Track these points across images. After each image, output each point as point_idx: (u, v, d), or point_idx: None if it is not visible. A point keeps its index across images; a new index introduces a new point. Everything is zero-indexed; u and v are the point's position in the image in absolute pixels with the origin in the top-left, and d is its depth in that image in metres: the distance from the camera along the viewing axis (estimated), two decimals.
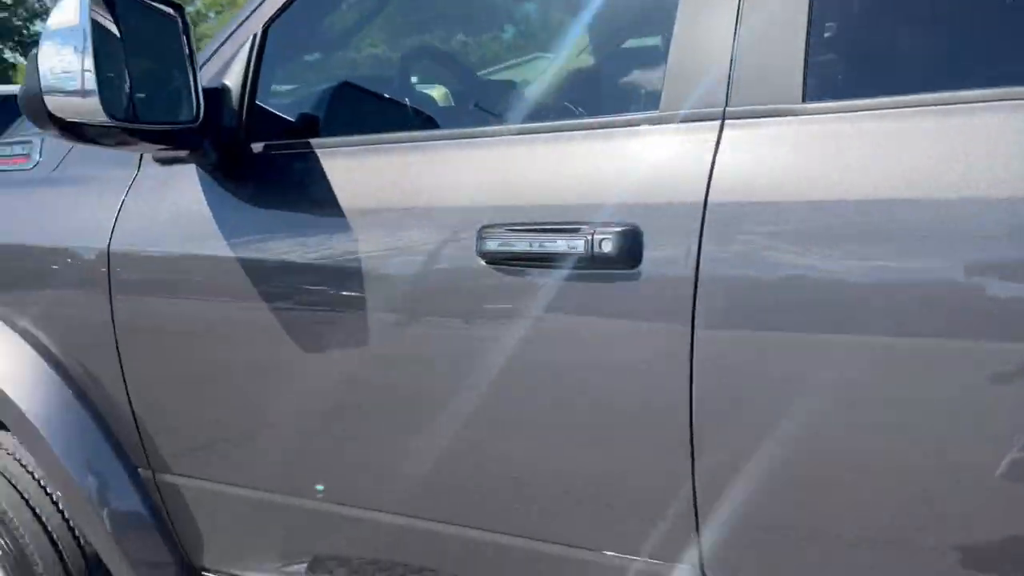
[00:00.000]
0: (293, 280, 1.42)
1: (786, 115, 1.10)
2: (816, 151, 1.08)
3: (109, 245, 1.59)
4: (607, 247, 1.13)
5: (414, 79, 2.19)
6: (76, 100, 1.16)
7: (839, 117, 1.08)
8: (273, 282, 1.43)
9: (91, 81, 1.15)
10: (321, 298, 1.41)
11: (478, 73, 2.67)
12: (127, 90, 1.22)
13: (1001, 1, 1.20)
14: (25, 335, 1.69)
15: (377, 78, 2.02)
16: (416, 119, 1.96)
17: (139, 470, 1.68)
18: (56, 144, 1.80)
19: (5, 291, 1.73)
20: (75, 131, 1.23)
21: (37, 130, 1.46)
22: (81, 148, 1.73)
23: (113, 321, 1.60)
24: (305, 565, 1.61)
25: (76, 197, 1.68)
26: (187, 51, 1.32)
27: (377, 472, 1.43)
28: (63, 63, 1.15)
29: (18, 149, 1.86)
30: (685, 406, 1.12)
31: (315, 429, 1.47)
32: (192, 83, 1.34)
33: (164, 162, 1.59)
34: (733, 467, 1.12)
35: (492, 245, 1.22)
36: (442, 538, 1.40)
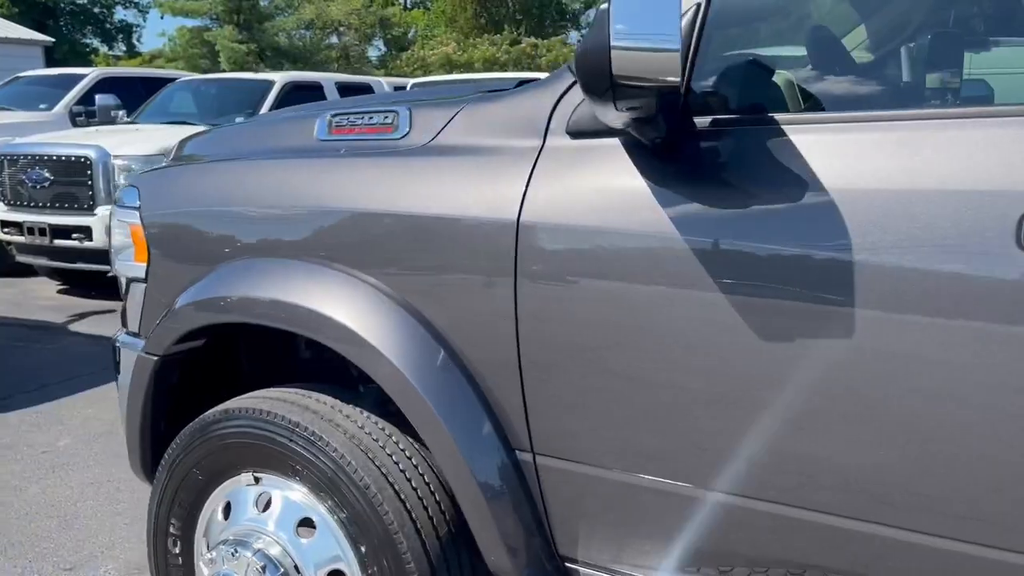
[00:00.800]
0: (755, 266, 1.35)
1: None
2: None
3: (519, 217, 1.53)
4: None
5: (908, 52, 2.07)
6: (646, 56, 1.11)
7: None
8: (726, 267, 1.36)
9: (674, 39, 1.09)
10: (787, 287, 1.33)
11: None
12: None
13: None
14: (406, 307, 1.65)
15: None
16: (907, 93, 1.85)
17: (517, 452, 1.62)
18: (431, 115, 1.77)
19: (382, 261, 1.69)
20: (621, 91, 1.17)
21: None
22: (465, 118, 1.70)
23: (515, 298, 1.54)
24: (691, 559, 1.54)
25: (470, 167, 1.64)
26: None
27: (822, 471, 1.35)
28: (643, 21, 1.09)
29: (380, 119, 1.83)
30: None
31: (744, 423, 1.40)
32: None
33: (576, 135, 1.54)
34: None
35: None
36: (886, 543, 1.32)
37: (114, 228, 2.24)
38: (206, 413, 1.94)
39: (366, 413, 1.83)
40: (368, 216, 1.72)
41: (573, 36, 51.75)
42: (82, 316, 6.73)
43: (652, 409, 1.48)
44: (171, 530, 2.00)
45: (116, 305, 7.21)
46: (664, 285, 1.43)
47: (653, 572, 1.58)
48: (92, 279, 8.02)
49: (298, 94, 8.37)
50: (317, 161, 1.85)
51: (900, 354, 1.25)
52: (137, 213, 2.08)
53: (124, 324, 2.24)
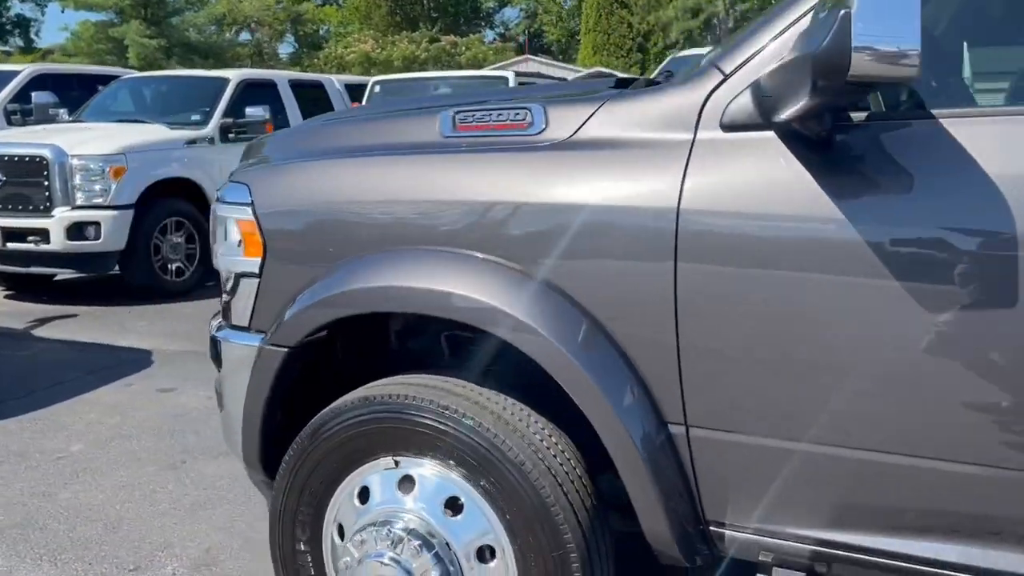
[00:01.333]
0: (908, 251, 1.50)
1: None
2: None
3: (679, 204, 1.65)
4: None
5: None
6: (887, 55, 1.24)
7: None
8: (879, 251, 1.51)
9: (916, 39, 1.22)
10: (940, 270, 1.49)
11: None
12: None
13: None
14: (560, 292, 1.75)
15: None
16: None
17: (670, 425, 1.75)
18: (566, 111, 1.88)
19: (535, 250, 1.78)
20: (855, 87, 1.31)
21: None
22: (607, 114, 1.81)
23: (675, 283, 1.66)
24: (840, 519, 1.68)
25: (622, 160, 1.75)
26: None
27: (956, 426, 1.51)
28: (885, 24, 1.23)
29: (512, 115, 1.92)
30: None
31: (893, 390, 1.55)
32: None
33: (730, 128, 1.67)
34: None
35: None
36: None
37: (217, 223, 2.26)
38: (339, 402, 2.00)
39: (503, 395, 1.93)
40: (518, 207, 1.81)
41: (489, 35, 51.94)
42: (43, 321, 6.53)
43: (804, 380, 1.62)
44: (299, 517, 2.05)
45: (76, 309, 7.05)
46: (820, 266, 1.57)
47: (796, 530, 1.72)
48: (41, 282, 7.76)
49: (252, 92, 8.26)
50: (455, 155, 1.92)
51: None
52: (249, 209, 2.11)
53: (226, 319, 2.26)
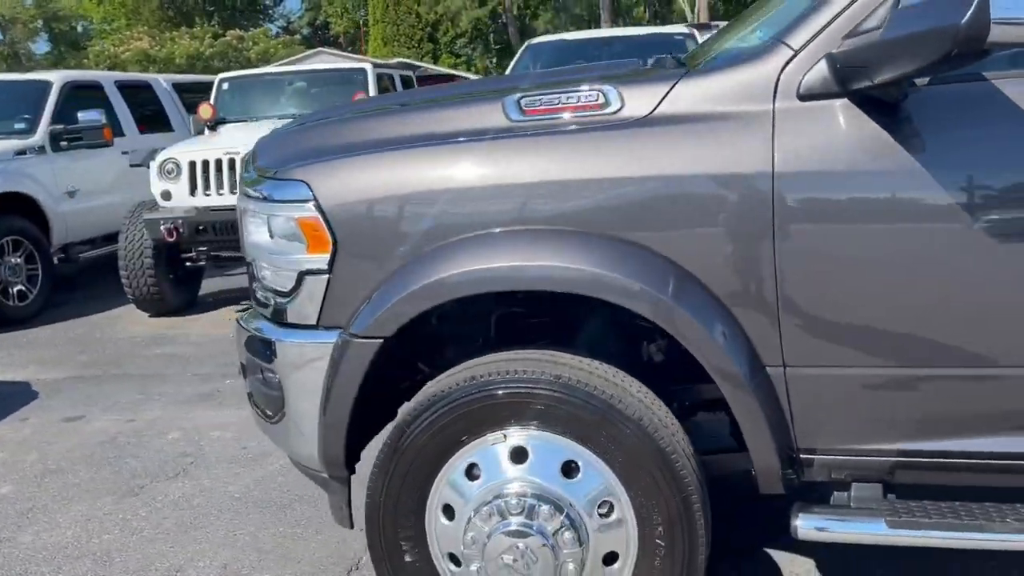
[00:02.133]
0: (977, 194, 1.79)
1: None
2: None
3: (773, 167, 1.85)
4: None
5: None
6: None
7: None
8: (953, 197, 1.79)
9: None
10: (1000, 210, 1.79)
11: None
12: None
13: None
14: (666, 259, 1.91)
15: None
16: None
17: (769, 368, 1.95)
18: (639, 90, 2.02)
19: (638, 222, 1.92)
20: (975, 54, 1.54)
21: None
22: (683, 90, 1.97)
23: (774, 238, 1.86)
24: (910, 432, 1.96)
25: (710, 131, 1.92)
26: None
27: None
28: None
29: (585, 97, 2.04)
30: None
31: (966, 317, 1.84)
32: None
33: (806, 98, 1.88)
34: None
35: None
36: None
37: (257, 222, 2.22)
38: (441, 383, 2.04)
39: (596, 362, 2.06)
40: (614, 182, 1.93)
41: (273, 28, 50.15)
42: None
43: (886, 315, 1.87)
44: (401, 504, 2.07)
45: None
46: (900, 215, 1.83)
47: (873, 446, 1.98)
48: None
49: (79, 95, 7.65)
50: (539, 138, 2.01)
51: None
52: (311, 205, 2.09)
53: (278, 319, 2.22)
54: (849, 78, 1.82)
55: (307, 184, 2.11)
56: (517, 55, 7.17)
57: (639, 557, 1.99)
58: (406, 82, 8.55)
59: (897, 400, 1.95)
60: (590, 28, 44.58)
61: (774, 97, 1.91)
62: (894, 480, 2.03)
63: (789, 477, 2.04)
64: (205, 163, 6.25)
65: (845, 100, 1.86)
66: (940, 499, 1.99)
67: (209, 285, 7.45)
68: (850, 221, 1.86)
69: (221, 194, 6.23)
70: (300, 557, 2.84)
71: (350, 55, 33.63)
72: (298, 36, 46.73)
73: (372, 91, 7.30)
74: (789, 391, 1.97)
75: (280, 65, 16.02)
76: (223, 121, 7.44)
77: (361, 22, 47.34)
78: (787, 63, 1.91)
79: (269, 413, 2.35)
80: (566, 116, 2.04)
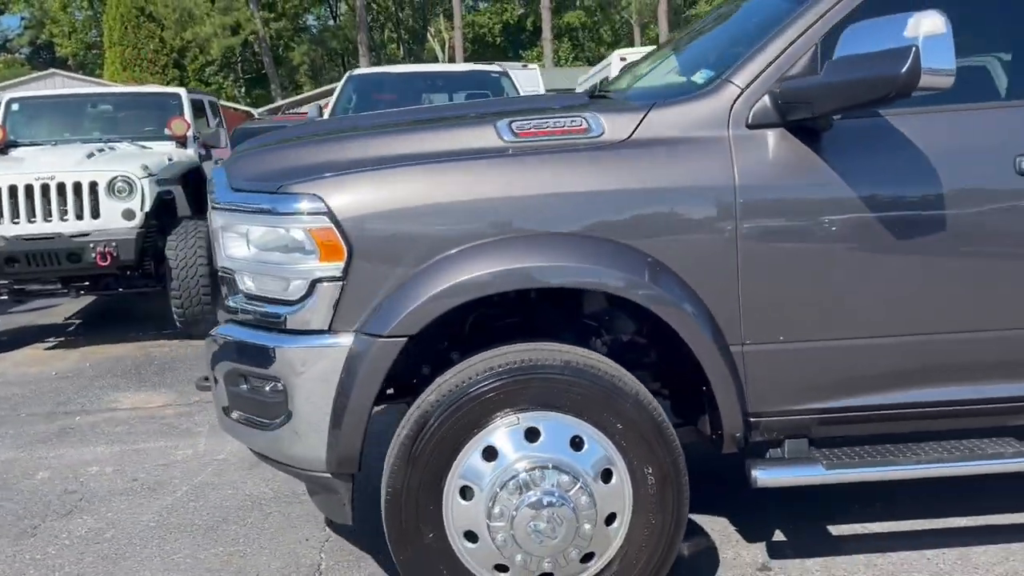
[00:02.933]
0: (878, 198, 2.34)
1: None
2: None
3: (735, 181, 2.30)
4: None
5: None
6: (942, 76, 2.00)
7: None
8: (865, 200, 2.33)
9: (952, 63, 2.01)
10: (896, 211, 2.35)
11: None
12: None
13: None
14: (644, 255, 2.28)
15: None
16: None
17: (731, 346, 2.37)
18: (617, 118, 2.40)
19: (626, 227, 2.28)
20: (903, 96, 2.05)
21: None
22: (655, 119, 2.38)
23: (737, 236, 2.30)
24: (836, 392, 2.47)
25: (682, 152, 2.33)
26: None
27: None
28: (941, 56, 1.99)
29: (570, 122, 2.38)
30: None
31: (885, 294, 2.39)
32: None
33: (754, 127, 2.35)
34: None
35: None
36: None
37: (259, 236, 2.33)
38: (459, 375, 2.26)
39: (588, 350, 2.38)
40: (605, 194, 2.28)
41: None
42: None
43: (814, 298, 2.37)
44: (421, 492, 2.25)
45: None
46: (825, 219, 2.33)
47: (805, 406, 2.46)
48: None
49: None
50: (534, 157, 2.31)
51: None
52: (325, 217, 2.24)
53: (280, 327, 2.32)
54: (788, 112, 2.31)
55: (320, 197, 2.26)
56: (340, 85, 7.30)
57: (634, 514, 2.32)
58: (213, 108, 8.33)
59: (820, 367, 2.44)
60: (344, 60, 44.66)
61: (728, 125, 2.35)
62: (813, 435, 2.53)
63: (739, 438, 2.46)
64: (12, 188, 5.80)
65: (783, 129, 2.35)
66: (851, 446, 2.52)
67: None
68: (789, 225, 2.34)
69: (33, 222, 5.81)
70: (256, 570, 2.87)
71: (91, 79, 31.33)
72: (20, 55, 42.59)
73: (188, 115, 7.09)
74: (745, 365, 2.40)
75: (5, 88, 14.72)
76: (14, 144, 6.89)
77: (92, 43, 44.12)
78: (736, 98, 2.36)
79: (264, 420, 2.42)
80: (553, 139, 2.36)
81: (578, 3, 49.08)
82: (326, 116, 7.00)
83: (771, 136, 2.35)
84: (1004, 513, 2.99)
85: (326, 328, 2.29)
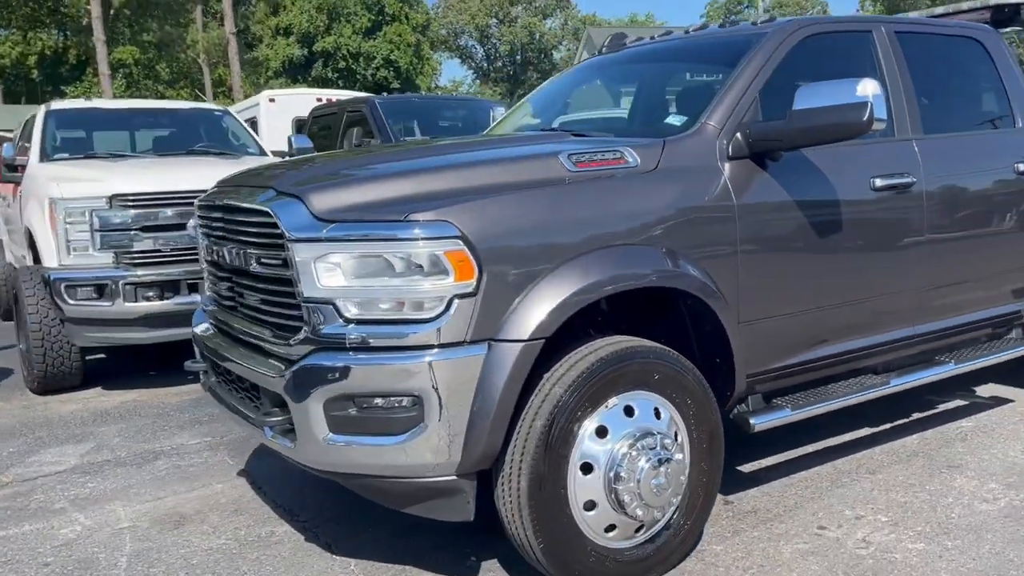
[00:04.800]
0: (834, 214, 3.27)
1: None
2: None
3: (734, 197, 3.04)
4: None
5: None
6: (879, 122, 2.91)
7: None
8: (823, 216, 3.24)
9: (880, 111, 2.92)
10: (847, 218, 3.31)
11: None
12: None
13: None
14: (666, 250, 2.90)
15: None
16: None
17: (739, 323, 3.08)
18: (645, 151, 3.01)
19: (669, 236, 2.88)
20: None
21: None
22: (669, 153, 3.05)
23: (737, 235, 3.04)
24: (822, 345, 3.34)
25: (695, 177, 3.02)
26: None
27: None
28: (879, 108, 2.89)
29: (611, 155, 2.94)
30: None
31: (847, 276, 3.32)
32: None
33: (732, 158, 3.12)
34: None
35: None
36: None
37: (396, 260, 2.50)
38: (576, 369, 2.64)
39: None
40: (651, 212, 2.87)
41: None
42: None
43: (803, 280, 3.21)
44: (547, 471, 2.59)
45: None
46: (782, 222, 3.18)
47: (771, 365, 3.27)
48: None
49: None
50: (606, 183, 2.81)
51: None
52: (459, 241, 2.50)
53: (416, 344, 2.50)
54: (753, 147, 3.12)
55: (451, 223, 2.51)
56: (40, 117, 6.51)
57: (691, 464, 2.91)
58: None
59: (786, 334, 3.28)
60: None
61: (718, 156, 3.09)
62: (767, 389, 3.35)
63: (740, 396, 3.19)
64: None
65: (749, 159, 3.14)
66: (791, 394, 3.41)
67: None
68: (765, 229, 3.14)
69: None
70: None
71: None
72: None
73: None
74: (744, 334, 3.12)
75: None
76: None
77: None
78: (718, 135, 3.11)
79: (384, 435, 2.56)
80: (606, 169, 2.88)
81: (129, 38, 46.09)
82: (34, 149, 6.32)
83: (744, 164, 3.13)
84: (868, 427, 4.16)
85: (464, 340, 2.53)
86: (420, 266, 2.51)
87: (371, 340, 2.55)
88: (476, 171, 2.81)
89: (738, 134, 3.13)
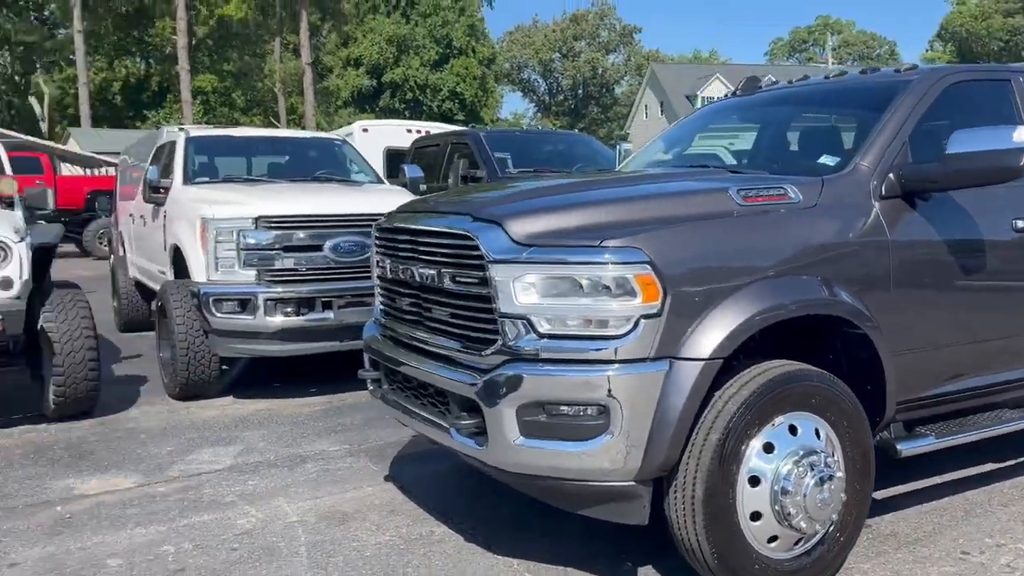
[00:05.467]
0: (978, 252, 3.46)
1: None
2: None
3: (888, 231, 3.25)
4: None
5: None
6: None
7: None
8: (968, 253, 3.43)
9: None
10: (990, 257, 3.49)
11: None
12: None
13: None
14: (828, 280, 3.10)
15: None
16: None
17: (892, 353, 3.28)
18: (806, 189, 3.23)
19: (825, 267, 3.10)
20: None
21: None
22: (828, 191, 3.26)
23: (891, 268, 3.24)
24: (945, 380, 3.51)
25: (853, 213, 3.23)
26: None
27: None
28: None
29: (775, 191, 3.17)
30: None
31: (989, 314, 3.52)
32: None
33: (885, 198, 3.32)
34: None
35: None
36: None
37: (589, 282, 2.76)
38: (748, 388, 2.86)
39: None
40: (815, 245, 3.09)
41: None
42: None
43: (948, 313, 3.40)
44: (722, 481, 2.81)
45: None
46: (938, 257, 3.37)
47: (916, 395, 3.44)
48: None
49: None
50: (774, 216, 3.05)
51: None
52: (648, 266, 2.75)
53: (605, 359, 2.76)
54: (905, 188, 3.33)
55: (640, 249, 2.76)
56: (181, 143, 6.97)
57: (846, 483, 3.08)
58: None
59: (932, 365, 3.45)
60: None
61: (871, 196, 3.30)
62: (906, 418, 3.52)
63: (888, 420, 3.37)
64: None
65: (900, 198, 3.35)
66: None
67: None
68: (916, 264, 3.34)
69: None
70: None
71: None
72: None
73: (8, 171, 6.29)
74: (898, 366, 3.30)
75: None
76: None
77: None
78: (872, 176, 3.33)
79: (571, 442, 2.81)
80: (770, 205, 3.12)
81: (208, 67, 47.89)
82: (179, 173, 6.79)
83: (895, 203, 3.34)
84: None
85: (649, 356, 2.77)
86: (608, 288, 2.77)
87: (561, 353, 2.81)
88: (654, 203, 3.09)
89: (891, 175, 3.34)
